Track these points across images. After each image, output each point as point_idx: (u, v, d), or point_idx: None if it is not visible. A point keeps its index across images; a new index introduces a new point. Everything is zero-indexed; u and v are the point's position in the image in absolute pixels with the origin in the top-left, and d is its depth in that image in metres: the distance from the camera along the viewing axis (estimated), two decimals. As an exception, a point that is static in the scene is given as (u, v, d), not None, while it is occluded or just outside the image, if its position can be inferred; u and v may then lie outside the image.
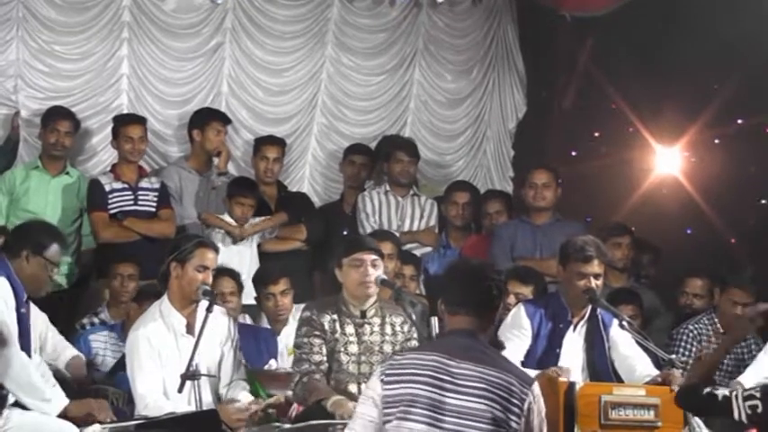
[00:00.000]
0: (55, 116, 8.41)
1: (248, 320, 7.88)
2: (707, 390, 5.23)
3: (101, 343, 7.33)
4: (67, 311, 7.93)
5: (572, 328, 6.55)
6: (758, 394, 5.17)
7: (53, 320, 6.87)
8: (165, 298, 6.38)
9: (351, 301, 6.27)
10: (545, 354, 6.49)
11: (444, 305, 4.75)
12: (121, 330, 7.38)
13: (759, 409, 5.12)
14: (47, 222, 6.48)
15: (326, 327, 6.20)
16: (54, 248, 6.15)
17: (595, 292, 6.50)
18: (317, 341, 6.18)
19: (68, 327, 7.57)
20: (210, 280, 6.40)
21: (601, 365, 6.49)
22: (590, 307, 6.57)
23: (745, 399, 5.16)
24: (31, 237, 6.15)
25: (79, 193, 8.46)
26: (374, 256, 6.23)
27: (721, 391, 5.23)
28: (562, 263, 6.60)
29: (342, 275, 6.27)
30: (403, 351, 4.96)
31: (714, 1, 8.77)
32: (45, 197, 8.35)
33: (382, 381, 4.55)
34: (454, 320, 4.68)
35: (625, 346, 6.49)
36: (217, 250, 6.53)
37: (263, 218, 8.64)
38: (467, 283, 4.71)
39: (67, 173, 8.47)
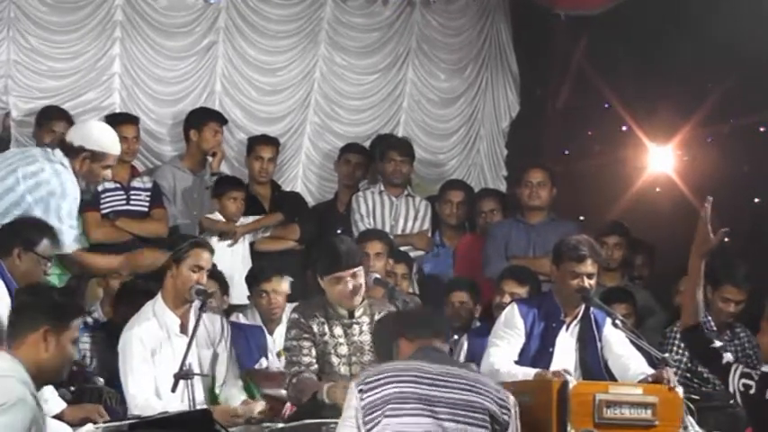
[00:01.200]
0: (50, 116, 8.39)
1: (242, 320, 7.87)
2: (717, 344, 5.23)
3: (88, 344, 7.31)
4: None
5: (565, 327, 6.54)
6: (756, 377, 5.17)
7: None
8: (158, 297, 6.39)
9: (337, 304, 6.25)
10: (538, 353, 6.47)
11: (400, 336, 4.76)
12: (106, 329, 7.37)
13: (752, 391, 5.12)
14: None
15: (315, 329, 6.17)
16: (45, 243, 6.14)
17: (588, 292, 6.48)
18: (306, 344, 6.15)
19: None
20: (205, 280, 6.40)
21: (593, 365, 6.47)
22: (583, 306, 6.55)
23: (743, 376, 5.16)
24: (20, 233, 6.13)
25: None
26: (353, 270, 6.16)
27: (727, 357, 5.23)
28: (556, 262, 6.58)
29: (324, 285, 6.23)
30: (375, 364, 4.93)
31: (709, 0, 8.77)
32: None
33: (360, 391, 4.49)
34: (414, 344, 4.69)
35: (619, 346, 6.47)
36: (212, 250, 6.55)
37: (257, 217, 8.63)
38: (424, 310, 4.76)
39: None
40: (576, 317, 6.56)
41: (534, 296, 7.09)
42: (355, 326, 6.22)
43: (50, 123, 8.34)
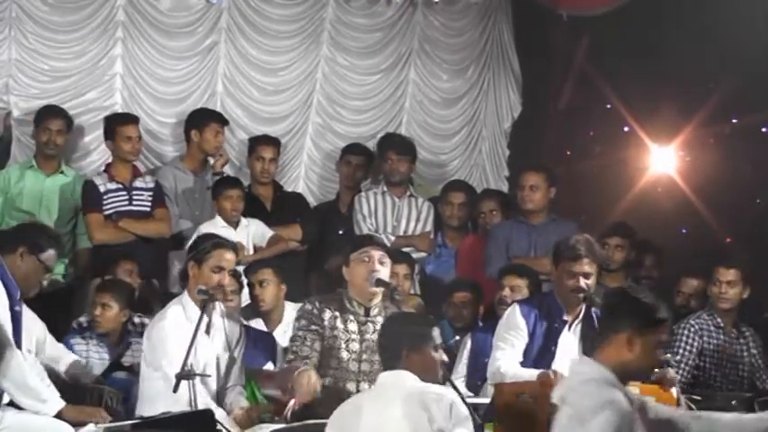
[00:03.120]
0: (46, 115, 8.40)
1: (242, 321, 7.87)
2: None
3: (83, 346, 7.31)
4: (64, 311, 7.93)
5: (567, 327, 6.54)
6: None
7: (49, 320, 6.87)
8: (185, 294, 6.40)
9: (355, 299, 6.23)
10: (540, 353, 6.47)
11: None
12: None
13: None
14: (48, 227, 6.52)
15: (326, 322, 6.17)
16: (50, 253, 6.16)
17: (584, 292, 6.46)
18: (309, 336, 6.15)
19: (65, 326, 7.57)
20: (227, 281, 6.41)
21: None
22: (584, 306, 6.55)
23: None
24: (29, 236, 6.15)
25: (74, 192, 8.45)
26: (382, 252, 6.23)
27: None
28: (554, 262, 6.58)
29: (348, 272, 6.24)
30: None
31: (710, 1, 8.78)
32: (40, 197, 8.34)
33: None
34: None
35: None
36: (235, 251, 6.53)
37: (255, 223, 8.59)
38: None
39: (62, 172, 8.47)
40: (577, 316, 6.56)
41: (535, 296, 7.08)
42: (370, 324, 6.23)
43: (46, 122, 8.35)
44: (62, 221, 8.32)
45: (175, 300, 6.48)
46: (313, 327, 6.16)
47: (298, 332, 6.20)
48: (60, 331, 7.28)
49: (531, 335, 6.48)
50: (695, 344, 7.55)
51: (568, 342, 6.51)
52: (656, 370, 6.15)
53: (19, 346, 5.92)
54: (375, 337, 6.19)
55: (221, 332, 6.39)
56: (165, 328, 6.27)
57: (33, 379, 5.92)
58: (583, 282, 6.45)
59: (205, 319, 6.30)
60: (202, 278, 6.31)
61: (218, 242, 6.47)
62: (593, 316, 6.52)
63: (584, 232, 8.49)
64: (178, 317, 6.32)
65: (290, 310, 7.67)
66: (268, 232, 8.58)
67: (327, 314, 6.18)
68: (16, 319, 5.93)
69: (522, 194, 8.62)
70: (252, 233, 8.52)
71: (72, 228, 8.44)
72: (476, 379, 7.22)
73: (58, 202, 8.41)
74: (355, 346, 6.19)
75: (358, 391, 6.10)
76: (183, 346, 6.07)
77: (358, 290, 6.21)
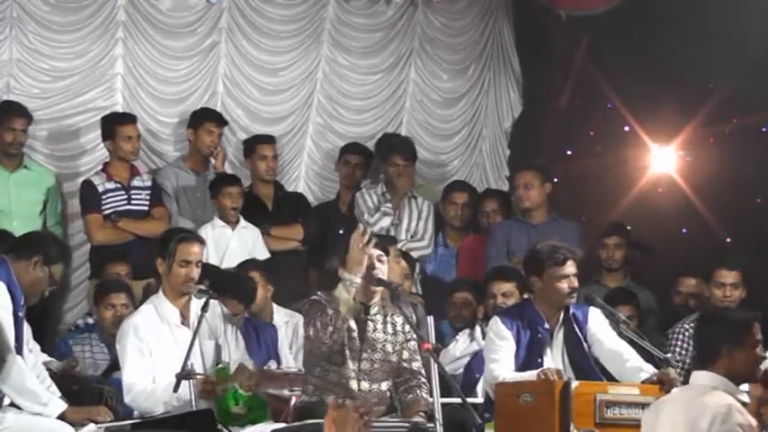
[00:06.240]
0: (10, 114, 8.25)
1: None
2: None
3: (82, 345, 7.33)
4: (56, 310, 7.96)
5: (550, 334, 6.54)
6: None
7: (44, 320, 6.89)
8: (159, 291, 6.51)
9: (354, 298, 6.23)
10: (526, 363, 6.44)
11: None
12: (100, 331, 7.41)
13: None
14: (63, 240, 6.58)
15: (333, 315, 6.16)
16: (60, 267, 6.23)
17: (577, 290, 6.47)
18: (326, 318, 6.13)
19: (55, 324, 7.60)
20: (195, 273, 6.45)
21: (584, 365, 6.45)
22: (562, 310, 6.55)
23: None
24: (46, 245, 6.18)
25: (40, 185, 8.38)
26: (379, 252, 6.22)
27: None
28: (537, 272, 6.55)
29: (345, 273, 6.24)
30: None
31: (710, 0, 8.78)
32: (7, 192, 8.19)
33: None
34: None
35: (609, 342, 6.47)
36: (201, 242, 6.57)
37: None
38: None
39: (25, 166, 8.37)
40: (558, 322, 6.56)
41: (514, 306, 7.02)
42: (369, 322, 6.22)
43: (10, 122, 8.21)
44: (33, 215, 8.23)
45: (149, 299, 6.56)
46: (328, 311, 6.14)
47: (313, 313, 6.12)
48: (52, 330, 7.31)
49: (517, 344, 6.49)
50: (689, 348, 7.54)
51: (554, 348, 6.52)
52: (657, 370, 6.19)
53: (20, 350, 5.93)
54: (375, 335, 6.22)
55: (204, 323, 6.40)
56: (127, 328, 6.42)
57: (33, 383, 5.92)
58: (576, 282, 6.50)
59: (175, 311, 6.37)
60: (171, 274, 6.40)
61: (181, 237, 6.54)
62: (572, 319, 6.53)
63: (584, 232, 8.56)
64: (148, 316, 6.39)
65: (281, 314, 7.72)
66: (260, 244, 8.53)
67: (332, 310, 6.17)
68: (18, 325, 5.94)
69: (517, 194, 8.68)
70: (247, 237, 8.49)
71: (42, 222, 8.35)
72: (473, 379, 7.23)
73: (25, 195, 8.30)
74: (355, 344, 6.18)
75: (359, 390, 6.11)
76: (146, 346, 6.26)
77: (356, 289, 6.20)
